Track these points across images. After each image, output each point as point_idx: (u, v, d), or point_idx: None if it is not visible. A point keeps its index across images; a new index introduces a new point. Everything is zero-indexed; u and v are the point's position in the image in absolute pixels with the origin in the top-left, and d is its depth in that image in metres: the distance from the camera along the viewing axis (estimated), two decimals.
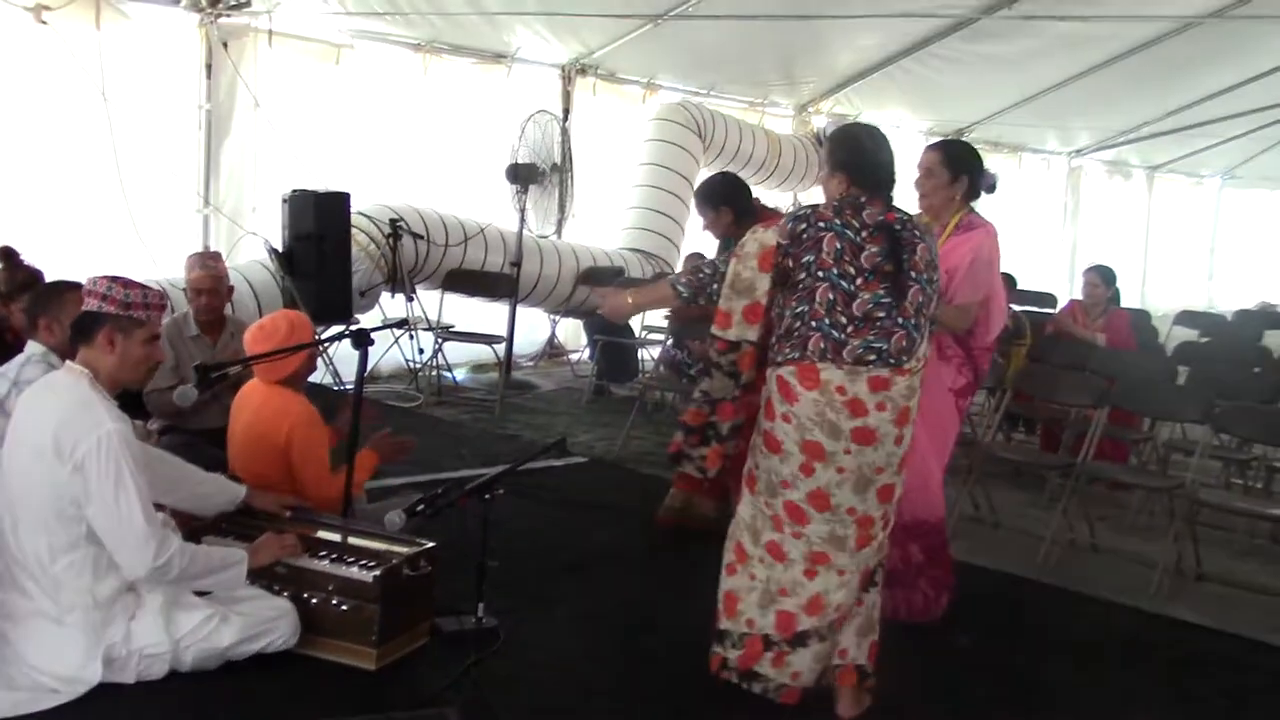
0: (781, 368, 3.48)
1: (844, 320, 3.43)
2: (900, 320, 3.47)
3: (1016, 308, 8.19)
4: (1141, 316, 9.19)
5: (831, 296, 3.44)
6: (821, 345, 3.42)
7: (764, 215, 5.03)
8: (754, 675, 3.58)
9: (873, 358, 3.43)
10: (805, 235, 3.48)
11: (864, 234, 3.48)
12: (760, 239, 3.55)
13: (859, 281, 3.45)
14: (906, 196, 3.88)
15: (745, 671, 3.59)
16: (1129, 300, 12.23)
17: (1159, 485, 5.81)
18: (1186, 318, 10.67)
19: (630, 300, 4.04)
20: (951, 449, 4.58)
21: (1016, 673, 4.17)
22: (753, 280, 3.54)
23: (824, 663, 3.59)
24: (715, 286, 3.61)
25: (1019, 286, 8.98)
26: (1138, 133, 14.17)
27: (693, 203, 5.78)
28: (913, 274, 3.49)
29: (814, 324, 3.44)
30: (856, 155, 3.62)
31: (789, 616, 3.53)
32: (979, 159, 4.53)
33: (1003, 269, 8.11)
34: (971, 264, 4.32)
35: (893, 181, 3.64)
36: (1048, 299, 10.32)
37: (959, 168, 4.40)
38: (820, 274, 3.45)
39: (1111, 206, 16.39)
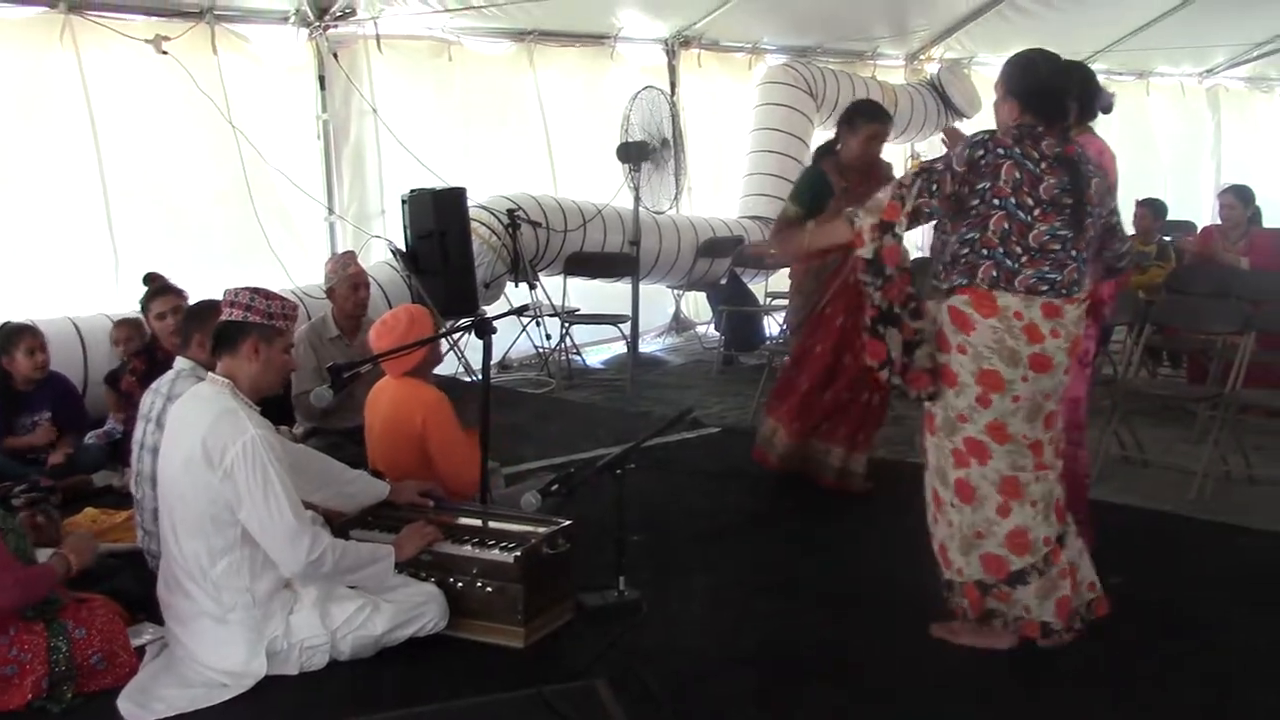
0: (952, 297, 3.50)
1: (1019, 250, 3.44)
2: (1074, 253, 3.49)
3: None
4: None
5: (1007, 226, 3.44)
6: (993, 273, 3.45)
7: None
8: (989, 614, 3.64)
9: (1045, 288, 3.46)
10: (984, 162, 3.45)
11: (1043, 165, 3.46)
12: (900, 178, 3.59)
13: (1036, 213, 3.45)
14: None
15: (980, 615, 3.65)
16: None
17: None
18: None
19: (807, 240, 4.17)
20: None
21: (1171, 610, 4.06)
22: (878, 202, 3.55)
23: (1054, 595, 3.58)
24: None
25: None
26: (1275, 44, 13.44)
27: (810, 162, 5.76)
28: (1089, 208, 3.50)
29: (985, 251, 3.46)
30: (1029, 81, 3.55)
31: (996, 559, 3.58)
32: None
33: (1153, 195, 7.94)
34: None
35: (1067, 112, 3.58)
36: (1187, 227, 9.93)
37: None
38: (996, 202, 3.45)
39: (1255, 125, 15.65)
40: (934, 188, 3.49)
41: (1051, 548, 3.58)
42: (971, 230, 3.47)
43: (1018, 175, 3.43)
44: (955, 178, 3.46)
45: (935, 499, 3.70)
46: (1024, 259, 3.44)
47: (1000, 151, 3.44)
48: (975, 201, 3.45)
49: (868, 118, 5.26)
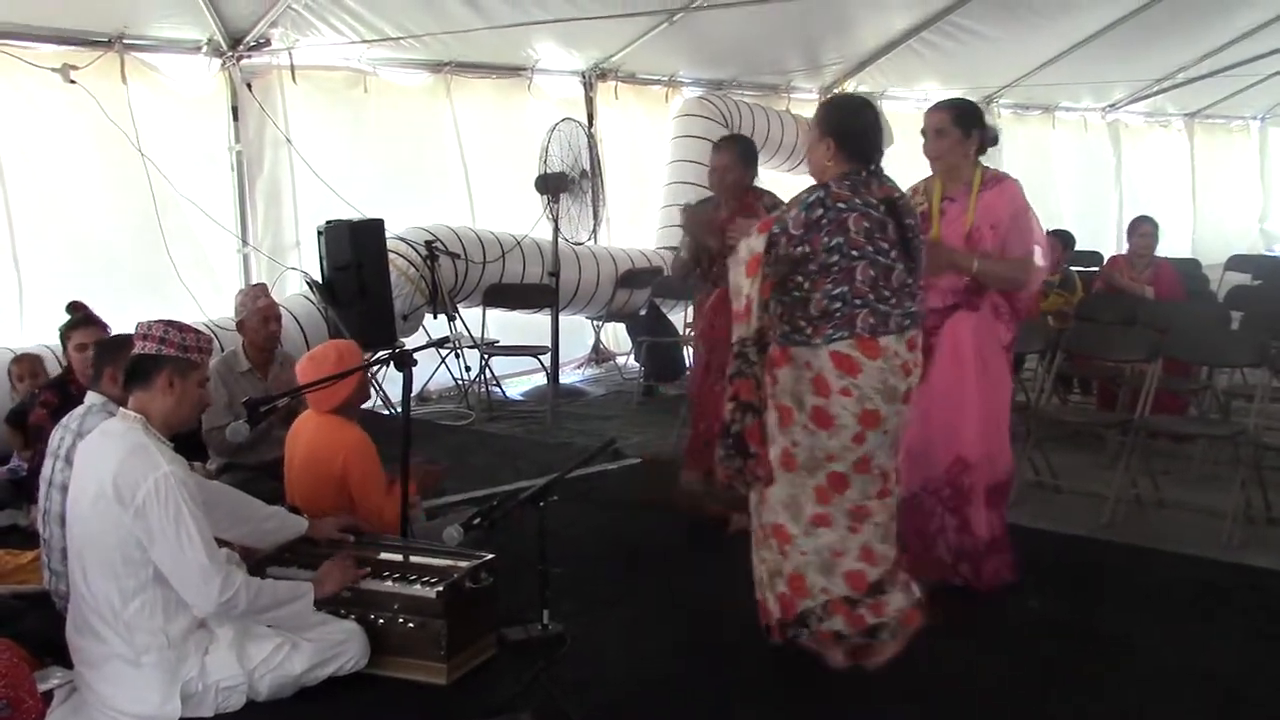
0: (833, 344, 3.52)
1: (887, 294, 3.54)
2: (919, 285, 3.66)
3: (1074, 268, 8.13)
4: (1190, 265, 9.07)
5: (873, 273, 3.52)
6: (871, 320, 3.51)
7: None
8: (874, 629, 3.65)
9: (908, 323, 3.58)
10: (825, 220, 3.50)
11: (881, 209, 3.55)
12: (751, 245, 3.56)
13: (893, 255, 3.55)
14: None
15: (864, 630, 3.64)
16: (1180, 251, 12.08)
17: (1220, 433, 5.73)
18: (1238, 262, 10.50)
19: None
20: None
21: (1086, 630, 4.14)
22: (739, 284, 3.57)
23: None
24: None
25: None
26: (1173, 80, 13.89)
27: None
28: (916, 241, 3.64)
29: (858, 302, 3.51)
30: (847, 123, 3.66)
31: (857, 574, 3.62)
32: (982, 114, 4.47)
33: (1059, 228, 8.13)
34: (1014, 215, 4.33)
35: (880, 153, 3.68)
36: (1094, 257, 10.18)
37: (969, 124, 4.35)
38: (855, 253, 3.50)
39: (1154, 158, 16.14)
40: (772, 252, 3.52)
41: (889, 566, 3.68)
42: (839, 285, 3.51)
43: (866, 224, 3.52)
44: (791, 240, 3.51)
45: (778, 534, 3.66)
46: (892, 300, 3.55)
47: (841, 206, 3.52)
48: (835, 258, 3.50)
49: (712, 150, 5.30)
